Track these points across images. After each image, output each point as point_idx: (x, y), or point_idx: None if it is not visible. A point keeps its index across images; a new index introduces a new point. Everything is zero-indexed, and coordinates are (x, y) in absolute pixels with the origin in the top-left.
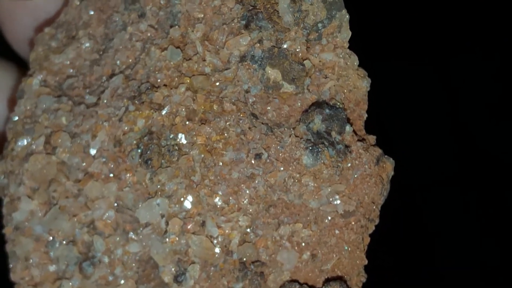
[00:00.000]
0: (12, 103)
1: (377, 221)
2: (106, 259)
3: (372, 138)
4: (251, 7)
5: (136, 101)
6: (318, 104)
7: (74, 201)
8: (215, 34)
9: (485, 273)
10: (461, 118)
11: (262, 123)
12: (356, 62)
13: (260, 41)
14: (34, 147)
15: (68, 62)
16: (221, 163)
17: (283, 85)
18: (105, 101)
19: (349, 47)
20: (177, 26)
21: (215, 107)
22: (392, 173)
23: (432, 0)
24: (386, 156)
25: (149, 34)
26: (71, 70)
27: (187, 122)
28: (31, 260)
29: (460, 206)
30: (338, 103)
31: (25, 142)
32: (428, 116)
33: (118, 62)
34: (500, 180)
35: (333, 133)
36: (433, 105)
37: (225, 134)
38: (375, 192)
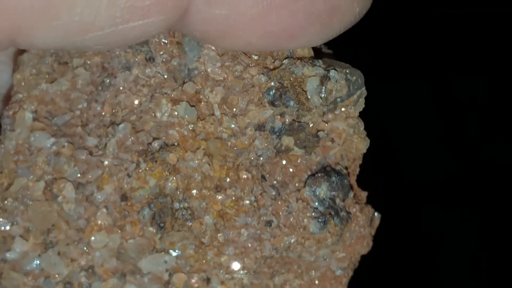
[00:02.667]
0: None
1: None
2: None
3: (364, 195)
4: (278, 84)
5: (148, 159)
6: (325, 171)
7: (74, 247)
8: (235, 99)
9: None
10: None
11: (270, 186)
12: (362, 127)
13: (281, 114)
14: (32, 191)
15: (61, 93)
16: (231, 227)
17: (293, 149)
18: (111, 150)
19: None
20: (192, 82)
21: (231, 174)
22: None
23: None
24: (375, 212)
25: (157, 81)
26: (65, 103)
27: (202, 190)
28: None
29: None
30: (343, 170)
31: (21, 183)
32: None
33: (121, 104)
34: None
35: (337, 200)
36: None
37: (239, 202)
38: (366, 250)
